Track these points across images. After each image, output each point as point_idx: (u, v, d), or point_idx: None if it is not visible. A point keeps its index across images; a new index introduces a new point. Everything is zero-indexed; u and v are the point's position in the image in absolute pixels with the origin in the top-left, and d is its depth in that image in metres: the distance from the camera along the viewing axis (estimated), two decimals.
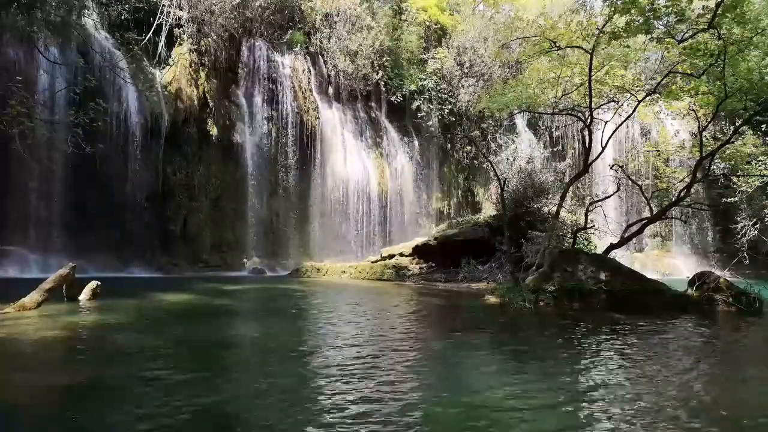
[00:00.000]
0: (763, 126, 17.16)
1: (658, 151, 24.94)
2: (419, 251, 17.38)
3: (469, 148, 25.91)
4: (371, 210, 23.20)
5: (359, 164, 23.35)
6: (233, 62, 21.20)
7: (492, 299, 10.58)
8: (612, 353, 6.02)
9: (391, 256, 17.79)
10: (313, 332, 7.32)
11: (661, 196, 16.59)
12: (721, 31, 9.81)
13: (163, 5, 18.93)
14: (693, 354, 6.29)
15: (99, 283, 9.20)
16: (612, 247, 12.04)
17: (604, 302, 9.64)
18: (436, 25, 26.30)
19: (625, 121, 13.94)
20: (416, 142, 25.64)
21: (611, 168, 15.01)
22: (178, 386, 4.28)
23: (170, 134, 18.55)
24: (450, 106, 25.33)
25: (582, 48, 12.16)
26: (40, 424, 3.45)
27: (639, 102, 12.82)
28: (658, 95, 12.99)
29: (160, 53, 19.16)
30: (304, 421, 3.46)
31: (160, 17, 18.87)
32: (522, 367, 5.16)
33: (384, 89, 24.75)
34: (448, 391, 4.31)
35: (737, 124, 12.33)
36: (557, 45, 12.39)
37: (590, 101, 12.09)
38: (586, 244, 16.18)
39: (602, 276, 10.13)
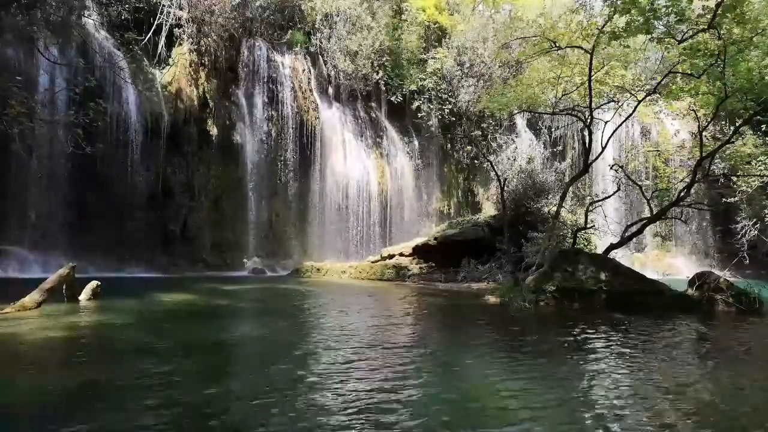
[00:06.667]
0: (763, 126, 17.13)
1: (658, 151, 24.91)
2: (419, 251, 17.38)
3: (469, 148, 25.90)
4: (371, 210, 23.17)
5: (359, 164, 23.33)
6: (233, 62, 21.17)
7: (492, 299, 10.58)
8: (612, 353, 6.02)
9: (391, 256, 17.79)
10: (313, 332, 7.32)
11: (661, 196, 16.56)
12: (721, 31, 9.81)
13: (163, 5, 18.93)
14: (692, 354, 6.30)
15: (99, 283, 9.20)
16: (612, 247, 12.04)
17: (604, 302, 9.64)
18: (435, 25, 26.29)
19: (625, 121, 13.93)
20: (416, 142, 25.62)
21: (611, 168, 15.00)
22: (179, 386, 4.28)
23: (170, 134, 18.52)
24: (450, 106, 25.30)
25: (582, 48, 12.17)
26: (41, 425, 3.45)
27: (639, 102, 12.82)
28: (658, 95, 12.99)
29: (160, 53, 19.15)
30: (305, 421, 3.47)
31: (160, 17, 18.86)
32: (522, 368, 5.16)
33: (384, 89, 24.73)
34: (448, 391, 4.32)
35: (737, 124, 12.31)
36: (557, 45, 12.39)
37: (590, 101, 12.10)
38: (586, 244, 16.19)
39: (602, 276, 10.13)
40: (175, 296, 10.54)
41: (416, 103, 24.93)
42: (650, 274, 12.29)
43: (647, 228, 14.40)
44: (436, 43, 26.03)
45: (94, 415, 3.54)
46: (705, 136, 12.94)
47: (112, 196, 16.59)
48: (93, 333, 6.67)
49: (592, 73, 11.75)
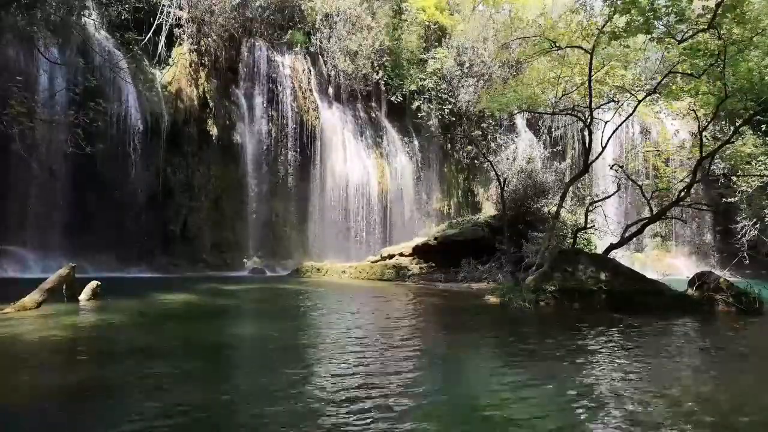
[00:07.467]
0: (763, 126, 17.13)
1: (658, 151, 24.91)
2: (419, 251, 17.37)
3: (469, 148, 25.90)
4: (371, 210, 23.18)
5: (359, 164, 23.33)
6: (233, 62, 21.19)
7: (492, 299, 10.58)
8: (612, 354, 6.01)
9: (391, 256, 17.78)
10: (314, 332, 7.31)
11: (661, 196, 16.57)
12: (721, 31, 9.81)
13: (163, 5, 18.92)
14: (692, 354, 6.30)
15: (99, 283, 9.20)
16: (612, 247, 12.04)
17: (604, 302, 9.63)
18: (435, 25, 26.30)
19: (625, 121, 13.94)
20: (416, 142, 25.63)
21: (611, 168, 15.00)
22: (179, 386, 4.27)
23: (170, 134, 18.52)
24: (450, 106, 25.30)
25: (582, 48, 12.17)
26: (41, 425, 3.45)
27: (639, 102, 12.83)
28: (658, 95, 12.99)
29: (160, 53, 19.15)
30: (304, 421, 3.46)
31: (160, 17, 18.86)
32: (522, 368, 5.16)
33: (384, 89, 24.74)
34: (448, 392, 4.32)
35: (737, 124, 12.32)
36: (557, 45, 12.39)
37: (590, 101, 12.10)
38: (586, 244, 16.17)
39: (602, 276, 10.13)
40: (175, 296, 10.54)
41: (416, 103, 24.94)
42: (650, 274, 12.28)
43: (647, 228, 14.40)
44: (436, 43, 26.03)
45: (94, 416, 3.54)
46: (705, 136, 12.94)
47: (112, 196, 16.59)
48: (93, 333, 6.67)
49: (592, 73, 11.74)
